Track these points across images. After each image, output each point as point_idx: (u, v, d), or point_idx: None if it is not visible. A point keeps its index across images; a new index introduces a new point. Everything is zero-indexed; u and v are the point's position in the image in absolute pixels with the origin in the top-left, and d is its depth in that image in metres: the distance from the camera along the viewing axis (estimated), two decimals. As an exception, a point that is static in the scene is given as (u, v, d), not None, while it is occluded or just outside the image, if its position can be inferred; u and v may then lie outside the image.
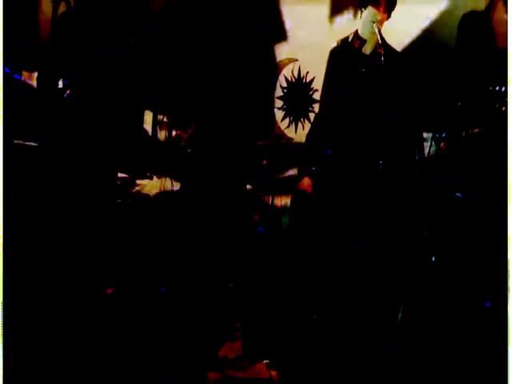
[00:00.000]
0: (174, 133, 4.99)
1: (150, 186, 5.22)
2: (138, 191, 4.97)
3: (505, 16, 4.28)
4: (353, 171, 4.01)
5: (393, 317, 3.67)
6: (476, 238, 3.78)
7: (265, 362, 3.55)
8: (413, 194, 3.92)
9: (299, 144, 5.36)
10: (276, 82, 4.49)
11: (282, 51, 5.92)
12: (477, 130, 3.92)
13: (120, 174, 4.83)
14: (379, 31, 3.92)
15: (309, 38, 5.13)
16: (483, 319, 3.56)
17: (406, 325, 3.62)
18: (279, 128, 5.60)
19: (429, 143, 4.00)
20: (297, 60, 5.90)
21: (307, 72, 5.86)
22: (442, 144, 3.97)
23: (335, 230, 4.02)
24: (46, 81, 4.23)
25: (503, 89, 3.66)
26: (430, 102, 4.06)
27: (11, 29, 3.92)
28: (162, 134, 5.90)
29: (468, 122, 3.97)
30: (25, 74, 4.87)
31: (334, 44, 4.21)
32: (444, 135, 4.06)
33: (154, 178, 5.16)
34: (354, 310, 3.85)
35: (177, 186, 4.83)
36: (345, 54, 4.15)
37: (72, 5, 4.25)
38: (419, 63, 4.17)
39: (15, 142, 4.30)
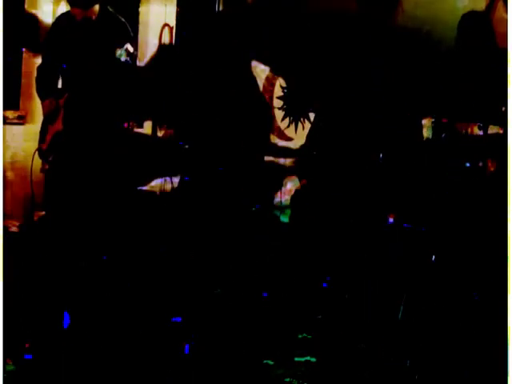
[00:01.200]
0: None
1: (152, 184, 5.22)
2: (141, 189, 4.98)
3: (505, 16, 4.28)
4: (353, 166, 4.01)
5: (393, 316, 3.68)
6: (476, 236, 3.78)
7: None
8: (413, 189, 3.93)
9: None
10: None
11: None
12: (476, 125, 3.92)
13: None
14: None
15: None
16: (483, 318, 3.56)
17: (406, 324, 3.62)
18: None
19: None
20: (297, 60, 5.91)
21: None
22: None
23: (336, 225, 4.02)
24: (44, 81, 4.25)
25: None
26: (429, 101, 4.06)
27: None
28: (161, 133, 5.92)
29: (467, 120, 3.97)
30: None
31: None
32: (444, 135, 4.07)
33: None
34: (354, 308, 3.85)
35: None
36: None
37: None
38: (419, 63, 4.17)
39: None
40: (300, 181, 4.99)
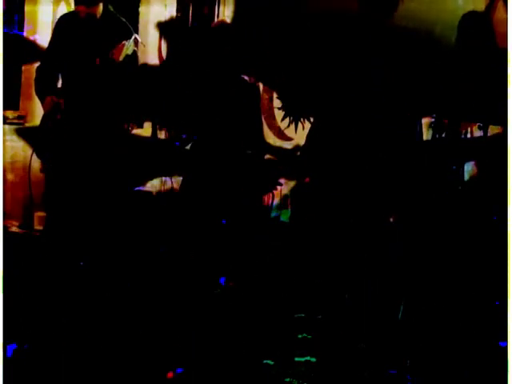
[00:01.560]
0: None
1: (151, 185, 5.23)
2: (139, 190, 4.98)
3: (505, 16, 4.29)
4: (353, 166, 4.02)
5: (393, 316, 3.68)
6: (476, 235, 3.79)
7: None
8: (413, 189, 3.94)
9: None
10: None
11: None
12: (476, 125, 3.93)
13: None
14: None
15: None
16: (483, 318, 3.56)
17: (406, 324, 3.62)
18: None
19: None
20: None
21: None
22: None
23: (336, 225, 4.03)
24: (44, 80, 4.26)
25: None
26: (429, 101, 4.06)
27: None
28: (161, 134, 5.92)
29: (467, 120, 3.98)
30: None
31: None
32: (444, 135, 4.08)
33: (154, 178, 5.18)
34: (354, 308, 3.85)
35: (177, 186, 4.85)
36: None
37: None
38: (419, 63, 4.18)
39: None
40: (300, 180, 5.00)
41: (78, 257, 4.07)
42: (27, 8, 5.44)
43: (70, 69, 4.21)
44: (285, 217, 5.16)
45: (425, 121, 4.20)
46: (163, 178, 5.10)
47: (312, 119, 5.03)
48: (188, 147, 4.61)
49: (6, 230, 4.26)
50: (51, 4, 5.42)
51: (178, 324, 3.77)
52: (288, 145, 5.47)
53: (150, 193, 5.16)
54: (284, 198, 5.29)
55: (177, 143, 4.77)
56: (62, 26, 4.29)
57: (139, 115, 5.45)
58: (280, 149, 5.50)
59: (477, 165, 4.08)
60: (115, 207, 4.35)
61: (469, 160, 4.10)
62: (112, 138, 4.23)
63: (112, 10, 4.22)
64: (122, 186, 4.73)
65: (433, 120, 4.15)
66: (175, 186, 4.93)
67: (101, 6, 4.12)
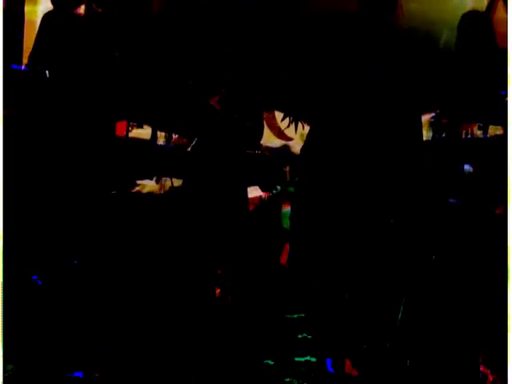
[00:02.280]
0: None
1: (150, 186, 5.23)
2: (138, 191, 4.98)
3: (505, 16, 4.29)
4: (353, 166, 4.02)
5: (392, 317, 3.68)
6: (476, 236, 3.79)
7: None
8: (413, 190, 3.93)
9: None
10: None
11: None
12: (476, 126, 3.94)
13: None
14: None
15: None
16: (483, 318, 3.56)
17: (406, 324, 3.62)
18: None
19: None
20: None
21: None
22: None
23: (336, 225, 4.03)
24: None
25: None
26: (429, 101, 4.07)
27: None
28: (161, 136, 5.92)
29: (467, 120, 3.99)
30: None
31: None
32: (444, 135, 4.08)
33: (154, 178, 5.17)
34: (353, 309, 3.85)
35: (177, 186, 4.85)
36: None
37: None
38: (419, 63, 4.18)
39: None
40: (299, 180, 5.00)
41: (74, 255, 4.08)
42: (27, 8, 5.43)
43: (56, 73, 4.19)
44: (284, 217, 5.16)
45: (424, 121, 4.20)
46: (163, 179, 5.10)
47: (312, 120, 5.03)
48: (189, 149, 4.62)
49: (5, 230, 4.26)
50: (51, 4, 5.41)
51: (177, 324, 3.77)
52: (276, 144, 5.48)
53: (148, 193, 5.16)
54: (283, 198, 5.30)
55: (167, 145, 4.78)
56: (46, 25, 4.25)
57: (139, 116, 5.45)
58: (275, 149, 5.51)
59: (477, 165, 4.08)
60: (113, 208, 4.36)
61: (469, 160, 4.09)
62: (104, 140, 4.24)
63: (98, 8, 4.18)
64: (119, 187, 4.74)
65: (432, 120, 4.15)
66: (174, 186, 4.94)
67: (83, 7, 4.10)
